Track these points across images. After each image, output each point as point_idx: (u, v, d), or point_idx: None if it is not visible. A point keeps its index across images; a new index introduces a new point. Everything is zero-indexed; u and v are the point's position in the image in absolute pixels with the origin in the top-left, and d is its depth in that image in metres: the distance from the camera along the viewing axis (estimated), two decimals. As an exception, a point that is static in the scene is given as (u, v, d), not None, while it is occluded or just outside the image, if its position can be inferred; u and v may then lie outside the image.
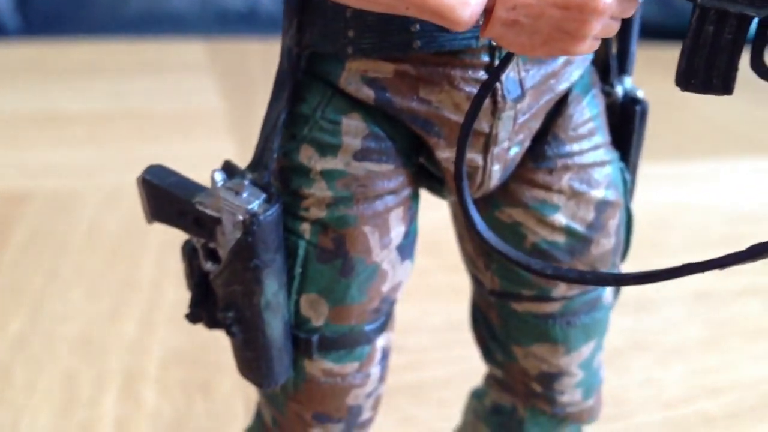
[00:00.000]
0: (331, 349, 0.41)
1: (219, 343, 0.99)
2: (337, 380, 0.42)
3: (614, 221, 0.43)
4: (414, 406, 0.88)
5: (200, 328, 1.02)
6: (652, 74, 2.43)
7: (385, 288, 0.41)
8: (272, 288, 0.38)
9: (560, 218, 0.42)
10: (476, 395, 0.54)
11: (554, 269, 0.36)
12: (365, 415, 0.45)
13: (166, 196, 0.38)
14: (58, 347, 0.96)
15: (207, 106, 1.99)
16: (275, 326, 0.38)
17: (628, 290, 1.16)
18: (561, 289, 0.44)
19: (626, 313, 1.09)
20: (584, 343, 0.46)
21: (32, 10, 2.84)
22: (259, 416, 0.49)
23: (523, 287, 0.44)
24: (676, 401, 0.91)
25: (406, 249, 0.41)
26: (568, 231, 0.42)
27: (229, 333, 0.39)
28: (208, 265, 0.39)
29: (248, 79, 2.29)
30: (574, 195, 0.42)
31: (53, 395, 0.87)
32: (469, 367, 0.82)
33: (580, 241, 0.43)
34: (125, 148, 1.67)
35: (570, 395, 0.47)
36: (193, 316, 0.41)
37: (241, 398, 0.88)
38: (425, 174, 0.43)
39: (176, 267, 1.17)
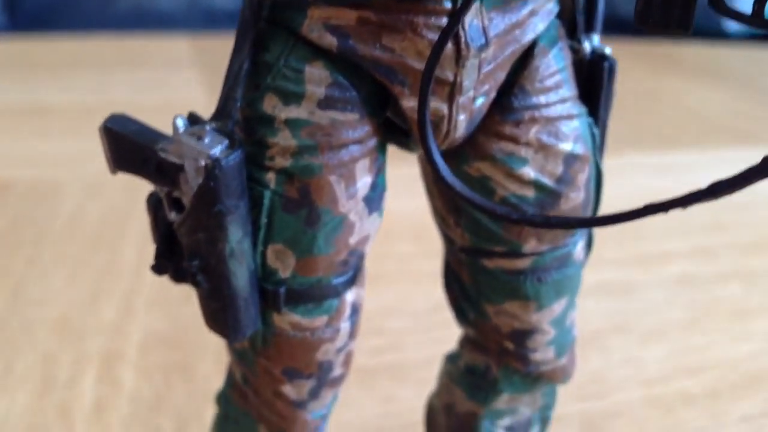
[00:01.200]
0: (299, 302, 0.41)
1: (199, 325, 0.98)
2: (306, 334, 0.42)
3: (583, 175, 0.43)
4: (395, 386, 0.88)
5: (180, 312, 1.02)
6: (636, 68, 2.45)
7: (353, 240, 0.40)
8: (236, 236, 0.37)
9: (528, 171, 0.42)
10: (450, 359, 0.54)
11: (519, 214, 0.36)
12: (336, 371, 0.44)
13: (128, 144, 0.37)
14: (36, 330, 0.96)
15: (191, 99, 1.99)
16: (240, 275, 0.38)
17: (609, 274, 1.16)
18: (531, 244, 0.44)
19: (608, 296, 1.09)
20: (555, 300, 0.46)
21: (20, 9, 2.83)
22: (230, 377, 0.49)
23: (494, 243, 0.44)
24: (656, 380, 0.91)
25: (374, 201, 0.41)
26: (536, 185, 0.42)
27: (195, 283, 0.38)
28: (173, 215, 0.38)
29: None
30: (542, 148, 0.41)
31: (31, 377, 0.87)
32: (449, 348, 0.83)
33: (549, 196, 0.43)
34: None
35: (542, 353, 0.47)
36: (158, 267, 0.40)
37: (221, 380, 0.87)
38: (392, 128, 0.42)
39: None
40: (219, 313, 0.39)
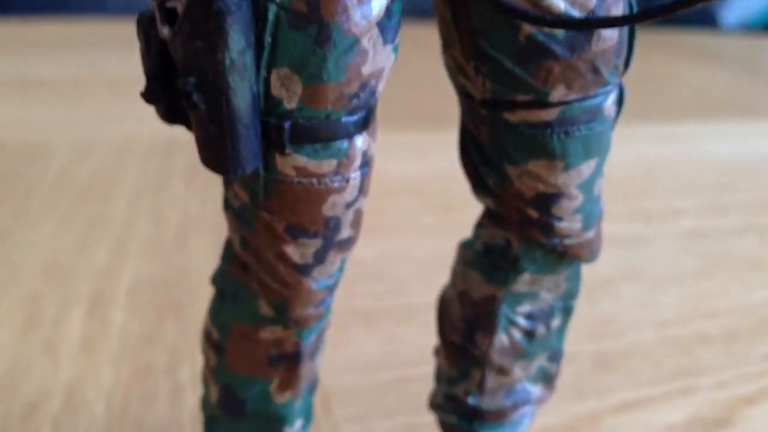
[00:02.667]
0: (305, 140, 0.37)
1: (193, 270, 0.94)
2: (312, 181, 0.38)
3: (617, 11, 0.39)
4: (398, 327, 0.84)
5: (173, 259, 0.98)
6: (645, 53, 2.43)
7: (366, 70, 0.36)
8: (238, 44, 0.33)
9: (559, 2, 0.38)
10: (465, 244, 0.50)
11: (553, 17, 0.32)
12: (344, 232, 0.40)
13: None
14: (22, 273, 0.91)
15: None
16: (241, 94, 0.34)
17: (617, 228, 1.13)
18: (559, 91, 0.40)
19: (616, 247, 1.05)
20: (584, 160, 0.42)
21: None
22: (227, 250, 0.44)
23: (517, 91, 0.40)
24: (671, 322, 0.87)
25: (389, 30, 0.37)
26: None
27: (190, 105, 0.34)
28: (166, 31, 0.35)
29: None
30: None
31: (15, 316, 0.82)
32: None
33: (580, 33, 0.39)
34: (98, 107, 1.62)
35: (568, 222, 0.43)
36: (149, 92, 0.36)
37: (215, 319, 0.84)
38: None
39: (150, 206, 1.13)
40: (217, 140, 0.35)
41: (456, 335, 0.49)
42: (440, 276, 0.94)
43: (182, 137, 1.45)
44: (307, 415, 0.50)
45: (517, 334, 0.48)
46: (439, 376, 0.52)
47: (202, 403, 0.49)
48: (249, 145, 0.36)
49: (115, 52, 2.16)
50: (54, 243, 1.00)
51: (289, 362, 0.45)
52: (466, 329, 0.48)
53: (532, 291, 0.47)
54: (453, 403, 0.51)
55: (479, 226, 0.48)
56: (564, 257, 0.45)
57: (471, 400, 0.49)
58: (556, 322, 0.49)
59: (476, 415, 0.50)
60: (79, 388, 0.71)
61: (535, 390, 0.50)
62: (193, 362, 0.75)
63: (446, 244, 1.01)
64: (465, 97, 0.43)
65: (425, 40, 2.57)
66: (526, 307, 0.47)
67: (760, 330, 0.86)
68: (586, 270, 0.92)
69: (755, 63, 2.53)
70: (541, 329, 0.48)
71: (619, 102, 0.43)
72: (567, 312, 0.49)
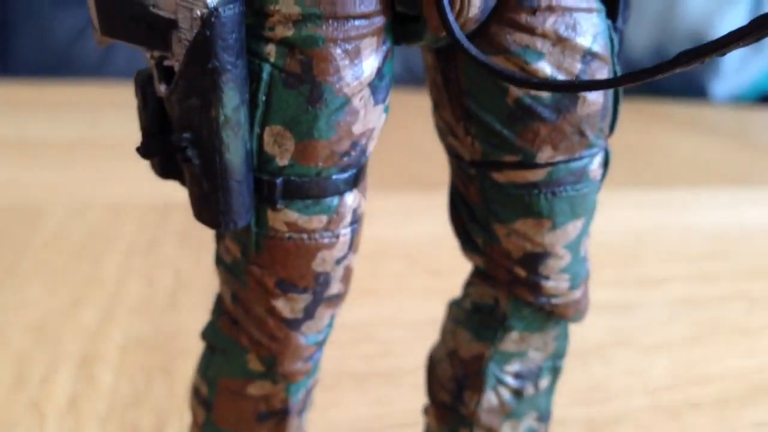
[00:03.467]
0: (296, 197, 0.37)
1: (182, 331, 0.94)
2: (303, 237, 0.38)
3: (602, 76, 0.41)
4: (388, 389, 0.83)
5: (162, 318, 0.97)
6: (629, 122, 2.46)
7: (356, 129, 0.37)
8: (233, 101, 0.34)
9: (544, 67, 0.39)
10: (454, 303, 0.50)
11: (539, 79, 0.33)
12: (334, 287, 0.41)
13: (117, 3, 0.34)
14: (10, 332, 0.91)
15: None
16: (235, 150, 0.35)
17: (608, 294, 1.13)
18: (545, 153, 0.41)
19: (607, 313, 1.06)
20: (570, 220, 0.43)
21: (12, 58, 2.83)
22: (217, 306, 0.45)
23: (505, 152, 0.41)
24: (661, 388, 0.87)
25: (380, 91, 0.38)
26: None
27: (185, 159, 0.35)
28: (162, 89, 0.35)
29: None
30: (560, 41, 0.39)
31: (2, 374, 0.82)
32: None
33: (566, 97, 0.40)
34: (93, 169, 1.64)
35: (555, 281, 0.44)
36: (145, 147, 0.37)
37: (204, 380, 0.83)
38: (401, 22, 0.40)
39: (142, 267, 1.13)
40: (211, 195, 0.36)
41: (445, 394, 0.49)
42: (430, 339, 0.94)
43: (176, 200, 1.46)
44: (295, 475, 0.49)
45: (506, 394, 0.48)
46: (428, 436, 0.52)
47: (190, 459, 0.49)
48: (241, 200, 0.36)
49: (112, 115, 2.19)
50: (44, 302, 0.99)
51: (277, 418, 0.45)
52: (455, 388, 0.48)
53: (521, 350, 0.47)
54: (442, 464, 0.50)
55: (468, 284, 0.48)
56: (551, 316, 0.46)
57: (460, 460, 0.49)
58: (544, 383, 0.49)
59: (465, 475, 0.49)
60: (64, 448, 0.70)
61: (524, 450, 0.50)
62: (181, 423, 0.75)
63: (436, 307, 1.01)
64: (454, 157, 0.44)
65: (417, 106, 2.59)
66: (514, 366, 0.48)
67: (751, 397, 0.86)
68: (578, 335, 0.92)
69: (744, 133, 2.57)
70: (529, 389, 0.48)
71: (605, 164, 0.44)
72: (555, 372, 0.49)
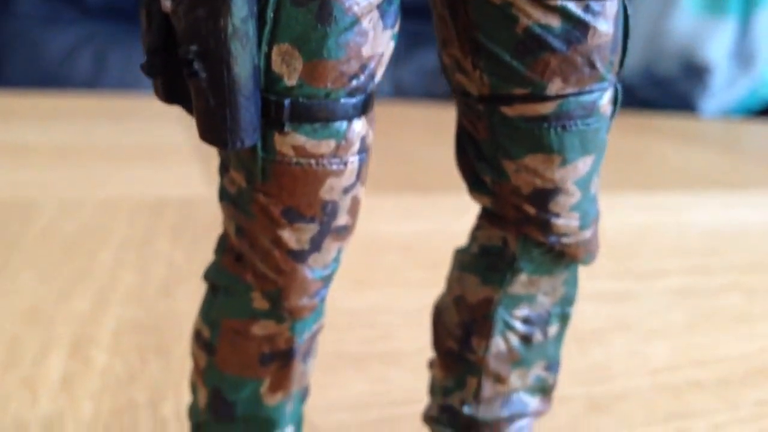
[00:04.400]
0: (304, 120, 0.37)
1: (177, 315, 0.93)
2: (311, 162, 0.38)
3: (613, 6, 0.40)
4: (387, 370, 0.82)
5: (157, 305, 0.96)
6: (627, 133, 2.48)
7: (366, 51, 0.37)
8: (241, 11, 0.34)
9: None
10: (460, 250, 0.49)
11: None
12: (341, 218, 0.40)
13: None
14: (3, 317, 0.89)
15: (175, 144, 1.97)
16: (242, 63, 0.34)
17: (606, 283, 1.12)
18: (555, 85, 0.40)
19: (606, 302, 1.05)
20: (581, 155, 0.42)
21: (4, 77, 2.84)
22: (220, 243, 0.44)
23: (515, 85, 0.41)
24: (663, 369, 0.86)
25: (389, 16, 0.38)
26: (563, 12, 0.39)
27: (191, 74, 0.34)
28: (168, 3, 0.35)
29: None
30: None
31: (-5, 355, 0.80)
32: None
33: (576, 27, 0.39)
34: (86, 171, 1.63)
35: (566, 219, 0.43)
36: (149, 66, 0.36)
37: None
38: None
39: (136, 259, 1.12)
40: (217, 111, 0.35)
41: (452, 342, 0.48)
42: (428, 325, 0.94)
43: (169, 197, 1.45)
44: (298, 425, 0.48)
45: (514, 340, 0.47)
46: (434, 389, 0.51)
47: (190, 410, 0.48)
48: (249, 117, 0.36)
49: (105, 124, 2.18)
50: (36, 291, 0.98)
51: (281, 361, 0.44)
52: (462, 334, 0.48)
53: (530, 294, 0.46)
54: (448, 415, 0.49)
55: (476, 229, 0.48)
56: (561, 258, 0.45)
57: (466, 410, 0.48)
58: (553, 330, 0.48)
59: (472, 426, 0.49)
60: (58, 421, 0.68)
61: (533, 402, 0.49)
62: (177, 399, 0.73)
63: (434, 296, 1.00)
64: (462, 95, 0.44)
65: (407, 119, 2.61)
66: (523, 311, 0.47)
67: (752, 377, 0.85)
68: (576, 321, 0.91)
69: (733, 143, 2.59)
70: (538, 335, 0.47)
71: (615, 101, 0.43)
72: (564, 319, 0.48)
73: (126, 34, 2.91)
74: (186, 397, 0.74)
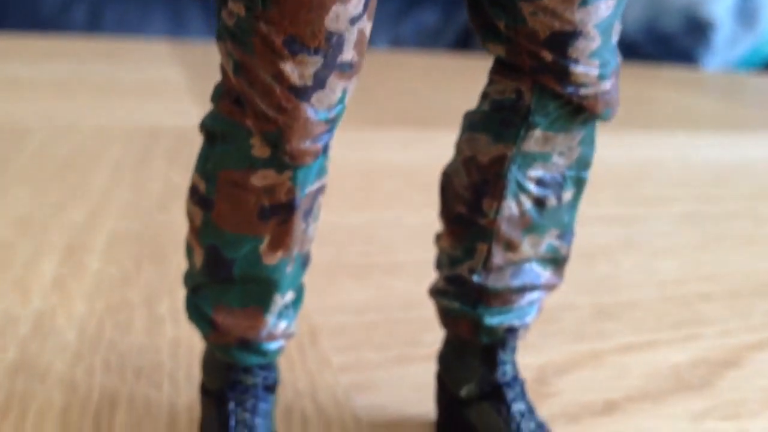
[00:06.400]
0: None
1: (174, 227, 0.90)
2: (316, -17, 0.35)
3: None
4: (388, 279, 0.80)
5: (153, 217, 0.94)
6: (632, 82, 2.45)
7: None
8: None
9: None
10: (470, 112, 0.46)
11: None
12: (347, 53, 0.37)
13: None
14: (-6, 224, 0.87)
15: (169, 80, 1.93)
16: None
17: (612, 209, 1.10)
18: None
19: (613, 224, 1.03)
20: (602, -6, 0.39)
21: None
22: (217, 89, 0.41)
23: None
24: (671, 283, 0.84)
25: None
26: None
27: None
28: None
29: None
30: None
31: (-15, 258, 0.78)
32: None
33: None
34: (79, 102, 1.60)
35: (585, 66, 0.40)
36: None
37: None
38: None
39: (131, 178, 1.09)
40: None
41: (461, 206, 0.46)
42: (428, 240, 0.92)
43: (165, 124, 1.42)
44: (299, 293, 0.46)
45: (527, 203, 0.44)
46: (440, 262, 0.48)
47: (186, 277, 0.45)
48: None
49: (102, 63, 2.14)
50: (29, 204, 0.96)
51: (282, 215, 0.41)
52: (473, 197, 0.45)
53: (544, 152, 0.44)
54: (456, 285, 0.47)
55: (488, 84, 0.45)
56: (579, 112, 0.42)
57: (476, 278, 0.46)
58: (567, 195, 0.45)
59: (481, 296, 0.46)
60: (50, 316, 0.66)
61: (544, 273, 0.47)
62: (172, 299, 0.71)
63: (434, 216, 0.98)
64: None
65: (409, 64, 2.58)
66: (537, 172, 0.44)
67: (762, 290, 0.83)
68: (583, 239, 0.90)
69: (735, 92, 2.55)
70: (552, 200, 0.45)
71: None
72: (579, 184, 0.46)
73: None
74: (181, 299, 0.72)
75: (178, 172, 1.13)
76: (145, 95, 1.72)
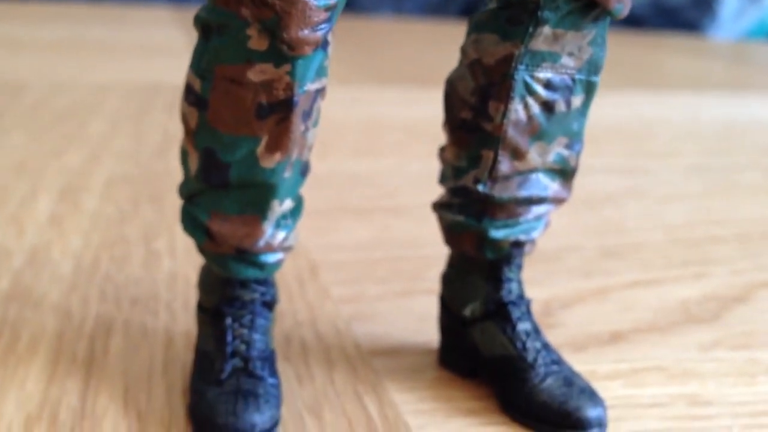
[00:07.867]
0: None
1: (172, 172, 0.89)
2: None
3: None
4: (390, 220, 0.78)
5: (150, 163, 0.92)
6: (637, 49, 2.43)
7: None
8: None
9: None
10: (476, 12, 0.44)
11: None
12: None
13: None
14: (-11, 167, 0.86)
15: (168, 41, 1.91)
16: None
17: (617, 161, 1.08)
18: None
19: (618, 175, 1.01)
20: None
21: None
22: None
23: None
24: (680, 226, 0.82)
25: None
26: None
27: None
28: None
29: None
30: None
31: (-21, 197, 0.77)
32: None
33: None
34: (76, 60, 1.58)
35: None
36: None
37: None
38: None
39: (130, 129, 1.07)
40: None
41: (467, 111, 0.44)
42: (430, 186, 0.90)
43: (165, 81, 1.41)
44: (298, 204, 0.44)
45: (535, 107, 0.43)
46: (444, 175, 0.47)
47: (181, 186, 0.44)
48: None
49: (100, 25, 2.12)
50: (26, 148, 0.94)
51: (280, 113, 0.39)
52: (478, 101, 0.43)
53: (553, 51, 0.42)
54: (460, 197, 0.45)
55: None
56: (590, 8, 0.40)
57: (481, 188, 0.44)
58: (577, 101, 0.44)
59: (486, 208, 0.45)
60: (45, 250, 0.65)
61: (552, 185, 0.45)
62: (170, 236, 0.70)
63: (436, 166, 0.96)
64: None
65: (415, 33, 2.56)
66: (546, 73, 0.42)
67: (772, 236, 0.82)
68: (587, 188, 0.88)
69: (740, 59, 2.53)
70: (561, 105, 0.43)
71: None
72: (590, 90, 0.44)
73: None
74: (180, 236, 0.70)
75: (177, 125, 1.11)
76: (145, 55, 1.70)
